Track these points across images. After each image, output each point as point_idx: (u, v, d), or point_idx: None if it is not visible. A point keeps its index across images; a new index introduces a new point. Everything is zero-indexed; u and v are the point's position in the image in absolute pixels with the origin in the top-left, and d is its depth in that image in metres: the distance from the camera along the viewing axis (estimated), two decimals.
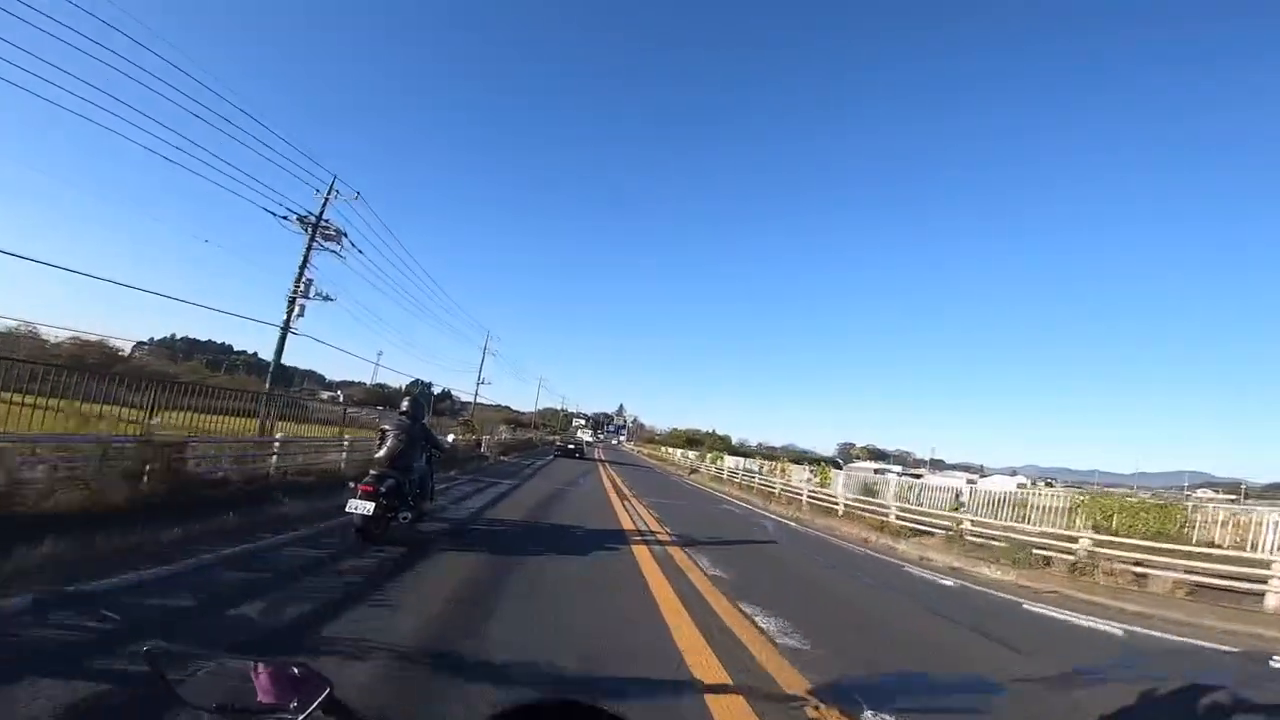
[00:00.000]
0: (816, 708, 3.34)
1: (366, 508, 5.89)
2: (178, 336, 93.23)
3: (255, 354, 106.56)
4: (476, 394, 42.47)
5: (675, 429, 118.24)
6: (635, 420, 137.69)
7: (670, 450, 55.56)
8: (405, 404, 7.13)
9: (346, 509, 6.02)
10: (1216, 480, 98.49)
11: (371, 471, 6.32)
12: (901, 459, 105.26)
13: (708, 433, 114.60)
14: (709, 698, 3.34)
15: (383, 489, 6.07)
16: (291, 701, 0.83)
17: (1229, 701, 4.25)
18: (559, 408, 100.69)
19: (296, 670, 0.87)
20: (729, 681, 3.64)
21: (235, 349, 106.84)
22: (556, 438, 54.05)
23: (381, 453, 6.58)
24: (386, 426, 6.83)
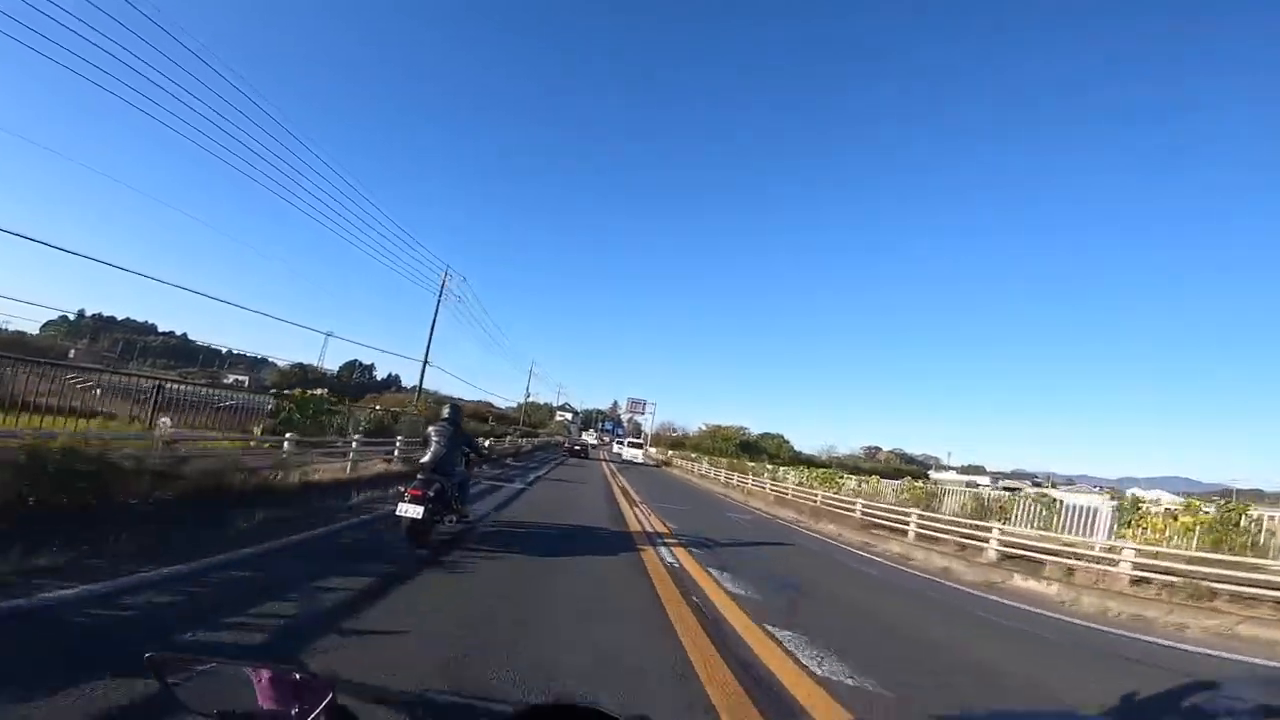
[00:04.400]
0: None
1: (416, 511, 6.16)
2: (87, 313, 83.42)
3: (184, 335, 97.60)
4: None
5: (718, 426, 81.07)
6: (631, 420, 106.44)
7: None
8: (446, 410, 7.60)
9: (396, 512, 6.28)
10: (1202, 486, 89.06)
11: (419, 476, 6.65)
12: (926, 465, 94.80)
13: (767, 435, 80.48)
14: None
15: (430, 493, 6.38)
16: (294, 707, 0.84)
17: None
18: (526, 397, 79.50)
19: (300, 675, 0.88)
20: None
21: (159, 329, 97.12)
22: (560, 438, 52.07)
23: (427, 457, 6.95)
24: (432, 432, 7.21)
